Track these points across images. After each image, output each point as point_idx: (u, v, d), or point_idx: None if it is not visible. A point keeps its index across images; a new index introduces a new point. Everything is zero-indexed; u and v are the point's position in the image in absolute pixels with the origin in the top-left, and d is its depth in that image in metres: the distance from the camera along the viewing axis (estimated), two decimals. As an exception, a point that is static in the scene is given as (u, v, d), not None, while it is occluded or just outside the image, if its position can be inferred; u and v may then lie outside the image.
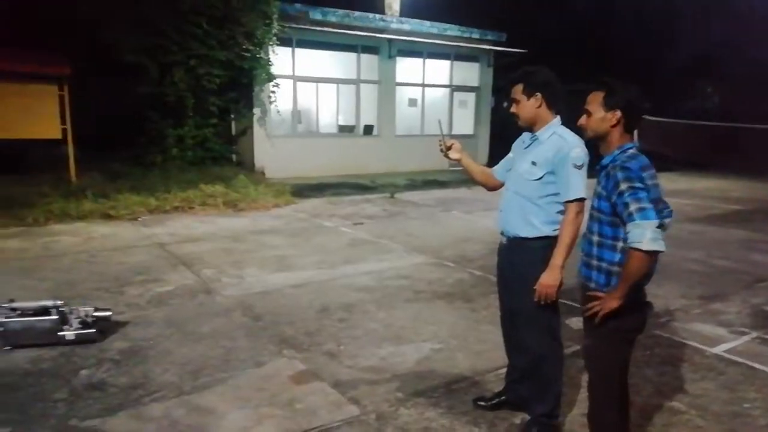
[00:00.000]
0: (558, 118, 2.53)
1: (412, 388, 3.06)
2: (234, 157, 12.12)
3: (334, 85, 13.31)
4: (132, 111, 10.62)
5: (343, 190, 10.84)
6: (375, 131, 13.77)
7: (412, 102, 14.48)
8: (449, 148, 2.76)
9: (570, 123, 2.45)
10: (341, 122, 13.79)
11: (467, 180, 11.12)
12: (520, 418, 2.73)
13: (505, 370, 2.87)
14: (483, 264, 5.55)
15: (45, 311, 3.55)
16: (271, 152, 11.90)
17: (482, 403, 2.85)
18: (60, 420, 2.71)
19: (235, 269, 5.39)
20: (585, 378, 2.40)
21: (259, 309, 4.31)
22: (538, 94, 2.47)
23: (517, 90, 2.51)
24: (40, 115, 8.76)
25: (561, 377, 2.63)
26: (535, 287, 2.42)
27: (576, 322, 2.54)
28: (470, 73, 15.23)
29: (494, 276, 2.82)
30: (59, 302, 3.60)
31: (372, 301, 4.55)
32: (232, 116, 11.92)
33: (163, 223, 7.50)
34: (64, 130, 8.95)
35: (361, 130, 13.69)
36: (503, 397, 2.82)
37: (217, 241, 6.53)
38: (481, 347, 3.61)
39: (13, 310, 3.54)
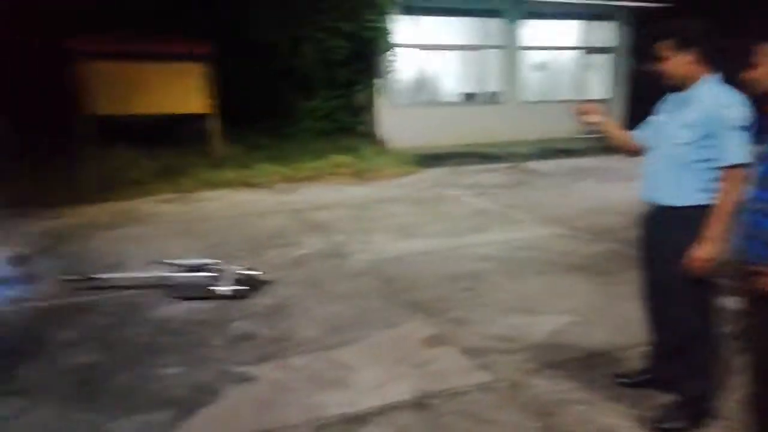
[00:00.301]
0: (713, 74, 2.27)
1: (546, 359, 3.01)
2: (359, 127, 12.43)
3: (458, 52, 13.07)
4: (269, 85, 11.27)
5: (466, 159, 10.71)
6: (500, 98, 13.37)
7: (540, 66, 13.81)
8: (587, 113, 2.60)
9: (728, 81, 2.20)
10: (464, 90, 13.54)
11: (601, 147, 10.51)
12: (666, 398, 2.57)
13: (648, 348, 2.71)
14: (621, 236, 5.22)
15: (203, 268, 3.96)
16: (394, 122, 12.04)
17: (625, 380, 2.72)
18: (219, 363, 3.03)
19: (364, 235, 5.59)
20: (741, 362, 2.20)
21: (390, 273, 4.45)
22: (691, 49, 2.23)
23: (666, 45, 2.28)
24: (188, 91, 9.61)
25: (715, 358, 2.43)
26: (685, 260, 2.24)
27: (729, 301, 2.32)
28: (605, 32, 14.14)
29: (634, 249, 2.64)
30: (214, 260, 4.00)
31: (500, 271, 4.50)
32: (358, 87, 12.20)
33: (296, 190, 7.95)
34: (209, 105, 9.76)
35: (485, 97, 13.36)
36: (648, 376, 2.66)
37: (346, 209, 6.80)
38: (620, 322, 3.43)
39: (177, 266, 3.98)
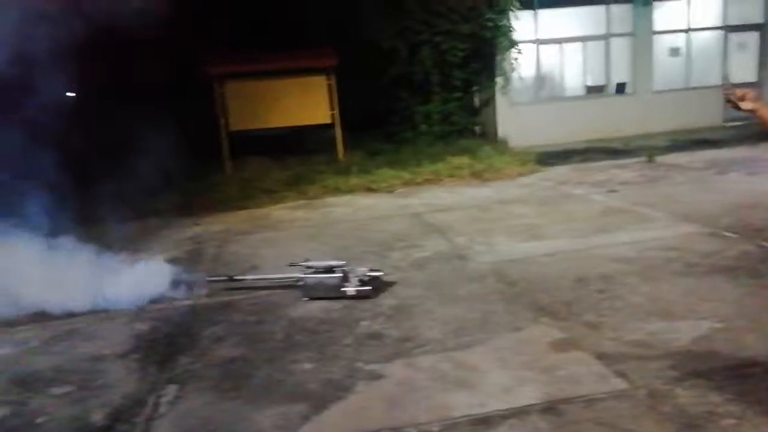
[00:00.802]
0: None
1: (689, 368, 2.77)
2: (477, 128, 12.32)
3: (580, 44, 12.45)
4: (386, 92, 11.58)
5: (592, 155, 10.18)
6: (628, 88, 12.53)
7: (674, 51, 12.73)
8: (741, 99, 2.36)
9: None
10: (589, 83, 12.86)
11: (749, 136, 9.45)
12: (839, 417, 2.26)
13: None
14: (775, 234, 4.68)
15: (331, 270, 4.16)
16: (513, 121, 11.77)
17: (785, 394, 2.44)
18: (349, 361, 3.17)
19: (485, 237, 5.53)
20: None
21: (513, 276, 4.36)
22: None
23: None
24: (313, 103, 10.18)
25: None
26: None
27: None
28: (751, 8, 12.71)
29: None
30: (342, 262, 4.19)
31: (633, 272, 4.22)
32: (475, 88, 12.10)
33: (416, 194, 8.06)
34: (332, 115, 10.25)
35: (612, 88, 12.60)
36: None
37: (466, 210, 6.78)
38: (777, 330, 3.07)
39: (308, 268, 4.23)
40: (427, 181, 8.67)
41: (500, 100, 11.81)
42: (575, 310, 3.61)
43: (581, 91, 12.80)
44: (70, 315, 4.20)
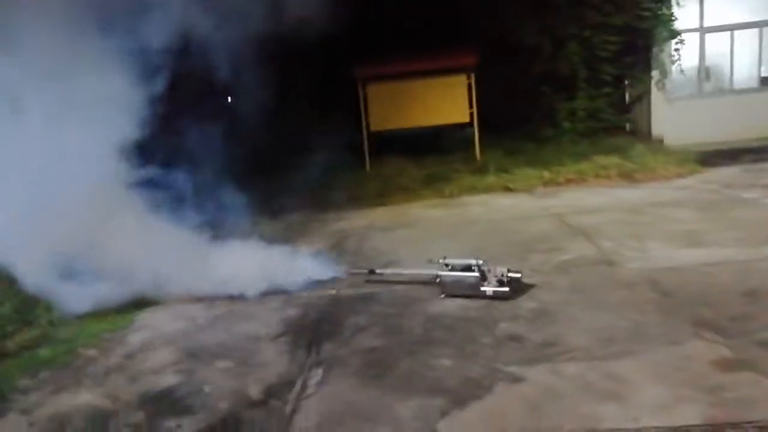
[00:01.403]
0: None
1: None
2: (627, 125, 11.47)
3: (755, 30, 11.03)
4: (526, 90, 11.22)
5: (765, 155, 8.98)
6: (815, 79, 10.87)
7: None
8: None
9: None
10: (764, 73, 11.36)
11: None
12: None
13: None
14: None
15: (469, 268, 4.14)
16: (671, 117, 10.76)
17: None
18: (488, 361, 3.13)
19: (636, 242, 5.13)
20: None
21: (669, 285, 4.00)
22: None
23: None
24: (452, 102, 10.18)
25: None
26: None
27: None
28: None
29: None
30: (480, 261, 4.15)
31: (822, 289, 3.66)
32: (627, 83, 11.27)
33: (557, 195, 7.72)
34: (471, 114, 10.18)
35: (792, 80, 11.02)
36: None
37: (614, 213, 6.34)
38: None
39: (446, 266, 4.25)
40: (571, 182, 8.26)
41: (656, 95, 10.86)
42: (746, 327, 3.22)
43: (755, 83, 11.34)
44: (230, 297, 4.64)
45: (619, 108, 11.41)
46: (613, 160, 8.53)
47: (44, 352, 3.92)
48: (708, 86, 11.43)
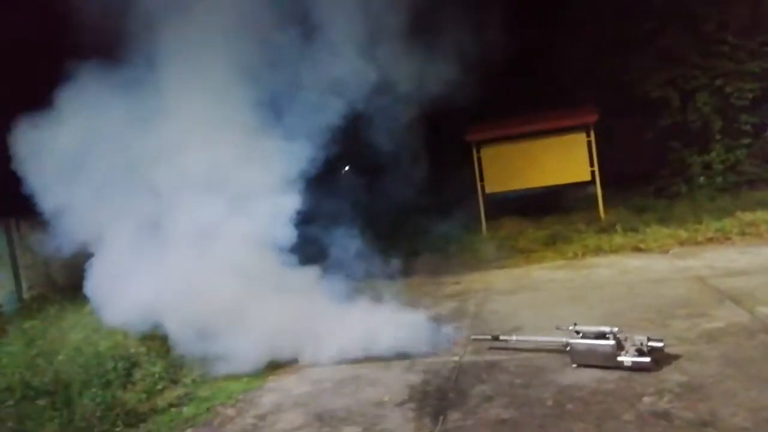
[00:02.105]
0: None
1: None
2: (774, 178, 10.40)
3: None
4: (653, 145, 10.67)
5: None
6: None
7: None
8: None
9: None
10: None
11: None
12: None
13: None
14: None
15: (603, 336, 3.87)
16: (827, 166, 9.63)
17: None
18: (633, 440, 2.86)
19: (800, 308, 4.53)
20: None
21: None
22: None
23: None
24: (571, 161, 9.92)
25: None
26: None
27: None
28: None
29: None
30: (615, 329, 3.87)
31: None
32: (769, 132, 10.34)
33: (697, 255, 7.07)
34: (592, 172, 9.82)
35: None
36: None
37: (767, 275, 5.67)
38: None
39: (577, 332, 4.01)
40: (711, 241, 7.55)
41: (808, 143, 9.83)
42: None
43: None
44: (356, 361, 4.72)
45: (763, 158, 10.42)
46: (761, 215, 7.71)
47: (188, 409, 4.21)
48: None
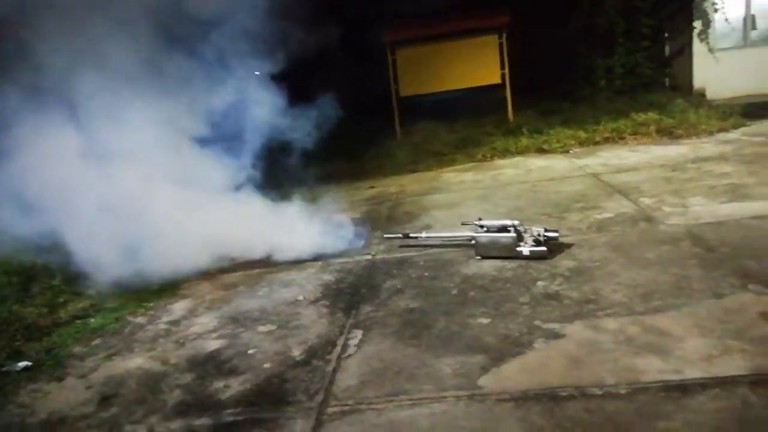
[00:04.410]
0: None
1: None
2: (667, 80, 11.05)
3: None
4: (562, 49, 10.88)
5: (817, 105, 8.55)
6: None
7: None
8: None
9: None
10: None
11: None
12: None
13: None
14: None
15: (505, 229, 4.10)
16: (713, 69, 10.31)
17: None
18: (526, 319, 3.12)
19: (677, 198, 4.99)
20: None
21: (712, 240, 3.89)
22: None
23: None
24: (484, 64, 9.96)
25: None
26: None
27: None
28: None
29: None
30: (516, 222, 4.11)
31: None
32: (666, 35, 10.82)
33: (594, 154, 7.53)
34: (503, 75, 9.95)
35: None
36: None
37: (653, 170, 6.16)
38: None
39: (481, 227, 4.22)
40: (608, 140, 8.03)
41: (698, 47, 10.40)
42: (795, 279, 3.12)
43: (805, 30, 10.73)
44: (269, 264, 4.74)
45: (659, 62, 10.98)
46: (652, 116, 8.24)
47: (95, 320, 4.10)
48: (755, 35, 10.86)
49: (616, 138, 8.02)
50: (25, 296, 4.20)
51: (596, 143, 8.04)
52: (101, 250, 4.37)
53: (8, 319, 3.78)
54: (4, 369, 3.41)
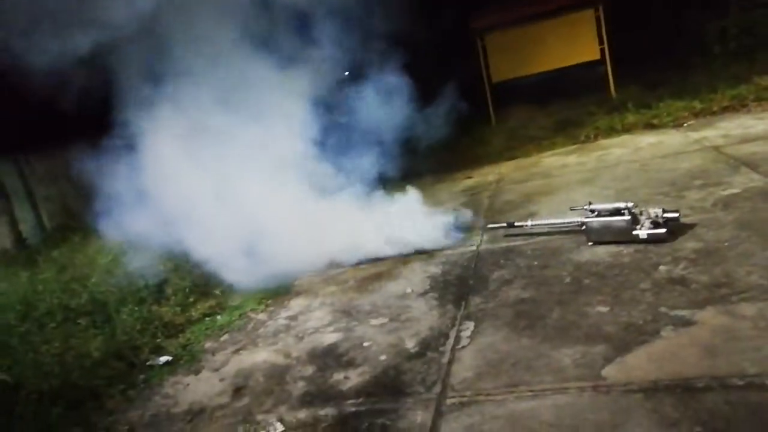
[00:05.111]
0: None
1: None
2: (794, 38, 9.90)
3: None
4: (666, 13, 10.12)
5: None
6: None
7: None
8: None
9: None
10: None
11: None
12: None
13: None
14: None
15: (618, 212, 3.90)
16: None
17: None
18: (649, 306, 2.96)
19: (817, 168, 4.49)
20: None
21: None
22: None
23: None
24: (579, 41, 9.49)
25: None
26: None
27: None
28: None
29: None
30: (630, 204, 3.89)
31: None
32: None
33: (712, 125, 6.92)
34: (602, 50, 9.42)
35: None
36: None
37: (785, 139, 5.57)
38: None
39: (592, 211, 4.04)
40: (727, 109, 7.35)
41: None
42: None
43: None
44: (375, 259, 4.85)
45: (782, 19, 9.86)
46: (779, 78, 7.44)
47: (221, 318, 4.42)
48: None
49: (737, 106, 7.32)
50: (161, 297, 4.61)
51: (713, 113, 7.38)
52: (224, 253, 4.70)
53: (149, 318, 4.17)
54: (148, 363, 3.78)
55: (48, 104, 4.65)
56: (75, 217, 7.66)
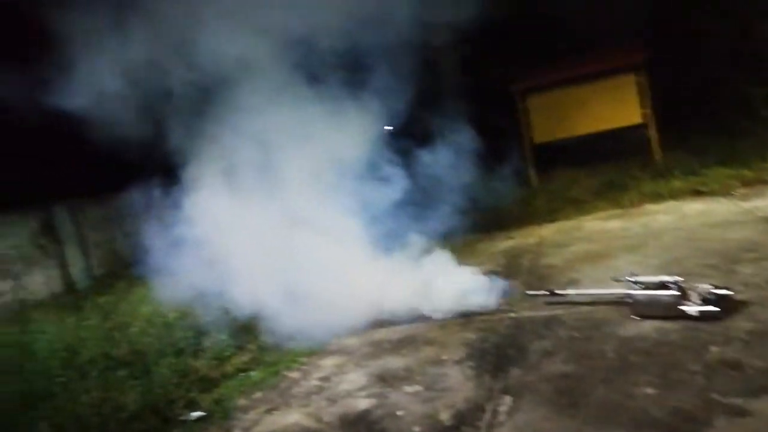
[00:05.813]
0: None
1: None
2: None
3: None
4: (710, 78, 10.05)
5: None
6: None
7: None
8: None
9: None
10: None
11: None
12: None
13: None
14: None
15: (664, 286, 3.78)
16: None
17: None
18: (700, 391, 2.81)
19: None
20: None
21: None
22: None
23: None
24: (623, 104, 9.47)
25: None
26: None
27: None
28: None
29: None
30: (678, 278, 3.77)
31: None
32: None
33: (764, 194, 6.71)
34: (645, 114, 9.37)
35: None
36: None
37: (843, 212, 5.34)
38: None
39: (636, 283, 3.93)
40: (779, 179, 7.15)
41: None
42: None
43: None
44: (412, 321, 4.80)
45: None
46: (834, 148, 7.21)
47: (256, 374, 4.42)
48: None
49: (790, 175, 7.11)
50: (198, 349, 4.66)
51: (765, 182, 7.18)
52: (264, 306, 4.75)
53: (185, 371, 4.21)
54: (181, 418, 3.79)
55: (103, 151, 4.90)
56: (123, 263, 7.93)
